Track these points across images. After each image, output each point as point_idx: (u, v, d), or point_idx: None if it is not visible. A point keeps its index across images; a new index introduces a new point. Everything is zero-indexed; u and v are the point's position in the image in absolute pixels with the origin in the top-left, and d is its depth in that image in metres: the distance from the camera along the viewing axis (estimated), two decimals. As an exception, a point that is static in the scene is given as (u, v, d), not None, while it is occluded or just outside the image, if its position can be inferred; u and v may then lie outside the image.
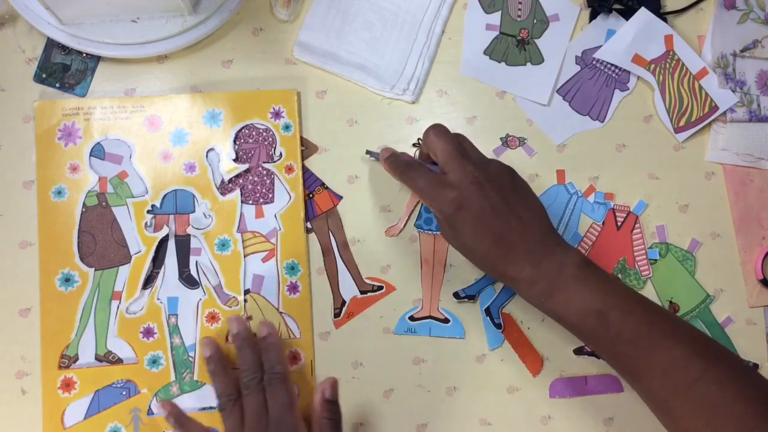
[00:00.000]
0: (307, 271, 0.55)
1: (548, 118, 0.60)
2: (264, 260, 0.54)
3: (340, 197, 0.57)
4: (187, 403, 0.52)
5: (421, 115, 0.59)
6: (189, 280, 0.54)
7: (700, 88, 0.61)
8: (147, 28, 0.53)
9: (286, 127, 0.55)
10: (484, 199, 0.47)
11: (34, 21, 0.52)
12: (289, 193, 0.55)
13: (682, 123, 0.60)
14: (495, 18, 0.60)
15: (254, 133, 0.55)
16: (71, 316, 0.52)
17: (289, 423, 0.48)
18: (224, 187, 0.54)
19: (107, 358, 0.52)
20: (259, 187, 0.55)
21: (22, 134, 0.54)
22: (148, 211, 0.54)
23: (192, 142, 0.55)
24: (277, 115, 0.55)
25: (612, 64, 0.61)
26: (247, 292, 0.54)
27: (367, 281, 0.57)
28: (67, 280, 0.52)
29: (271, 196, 0.55)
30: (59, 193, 0.53)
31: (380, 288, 0.57)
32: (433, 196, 0.48)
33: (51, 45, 0.55)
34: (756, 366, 0.60)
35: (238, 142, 0.55)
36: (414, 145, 0.57)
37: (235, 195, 0.54)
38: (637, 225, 0.60)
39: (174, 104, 0.55)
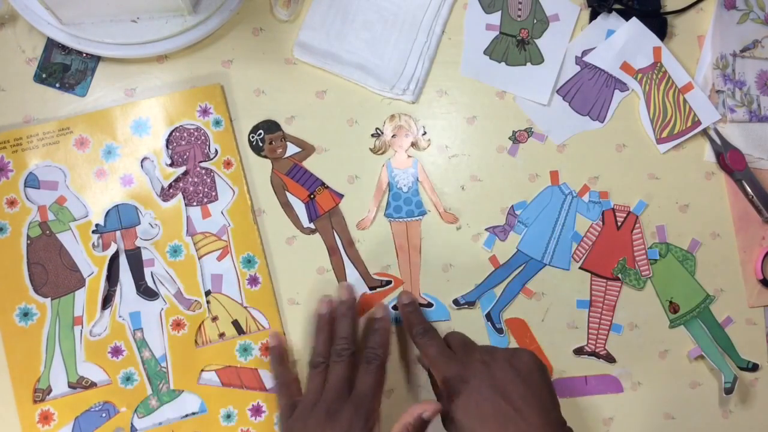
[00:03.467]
0: (264, 261, 0.55)
1: (548, 118, 0.60)
2: (219, 258, 0.54)
3: (342, 195, 0.57)
4: (168, 413, 0.53)
5: (421, 115, 0.59)
6: (147, 292, 0.53)
7: (685, 101, 0.61)
8: (147, 28, 0.53)
9: (217, 123, 0.55)
10: (489, 380, 0.47)
11: (34, 21, 0.52)
12: (231, 187, 0.55)
13: (664, 134, 0.60)
14: (495, 18, 0.60)
15: (185, 134, 0.55)
16: (36, 349, 0.52)
17: (369, 405, 0.48)
18: (165, 194, 0.54)
19: (80, 384, 0.52)
20: (200, 188, 0.54)
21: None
22: (93, 231, 0.53)
23: (124, 155, 0.54)
24: (205, 112, 0.55)
25: (612, 64, 0.61)
26: (208, 293, 0.54)
27: (375, 277, 0.56)
28: (26, 314, 0.52)
29: (214, 194, 0.55)
30: (1, 229, 0.52)
31: (389, 282, 0.57)
32: (441, 366, 0.49)
33: (51, 45, 0.55)
34: (756, 366, 0.60)
35: (170, 146, 0.54)
36: (372, 135, 0.57)
37: (178, 199, 0.54)
38: (637, 225, 0.60)
39: (99, 120, 0.54)
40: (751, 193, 0.61)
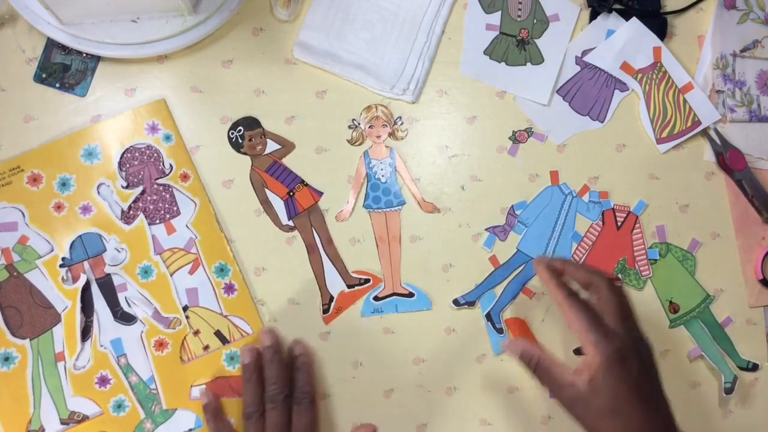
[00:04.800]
0: (237, 267, 0.54)
1: (548, 118, 0.60)
2: (191, 272, 0.54)
3: (321, 193, 0.57)
4: None
5: (421, 115, 0.59)
6: (124, 317, 0.53)
7: (685, 101, 0.61)
8: (147, 28, 0.53)
9: (167, 138, 0.54)
10: (643, 366, 0.46)
11: (34, 21, 0.52)
12: (192, 200, 0.54)
13: (664, 134, 0.60)
14: (495, 18, 0.60)
15: (137, 154, 0.54)
16: (23, 392, 0.51)
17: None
18: (126, 216, 0.54)
19: (73, 419, 0.52)
20: (161, 204, 0.54)
21: (22, 134, 0.54)
22: (61, 266, 0.53)
23: (79, 185, 0.53)
24: (153, 129, 0.54)
25: (612, 64, 0.61)
26: (186, 308, 0.54)
27: (354, 275, 0.56)
28: (6, 359, 0.52)
29: (175, 209, 0.54)
30: None
31: (367, 281, 0.57)
32: (595, 338, 0.45)
33: (51, 45, 0.55)
34: (756, 366, 0.60)
35: (124, 168, 0.54)
36: (349, 127, 0.57)
37: (140, 220, 0.54)
38: (637, 225, 0.60)
39: (48, 155, 0.53)
40: (751, 193, 0.60)
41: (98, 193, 0.54)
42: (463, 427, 0.56)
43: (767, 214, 0.61)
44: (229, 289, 0.54)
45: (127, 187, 0.54)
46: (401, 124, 0.58)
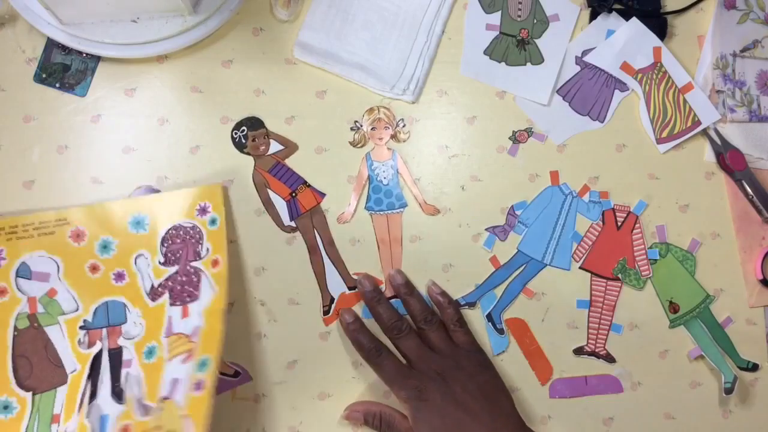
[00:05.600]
0: (215, 365, 0.48)
1: (548, 118, 0.60)
2: (184, 361, 0.50)
3: (324, 195, 0.57)
4: None
5: (421, 115, 0.59)
6: (119, 395, 0.50)
7: (685, 101, 0.61)
8: (147, 28, 0.53)
9: (213, 222, 0.53)
10: (447, 393, 0.49)
11: (34, 21, 0.52)
12: (213, 287, 0.52)
13: (664, 134, 0.61)
14: (495, 18, 0.60)
15: (181, 232, 0.53)
16: None
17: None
18: (154, 293, 0.52)
19: None
20: (187, 287, 0.52)
21: (22, 134, 0.54)
22: (81, 327, 0.51)
23: (119, 250, 0.52)
24: (203, 211, 0.53)
25: (612, 64, 0.61)
26: (164, 399, 0.49)
27: (355, 277, 0.56)
28: (6, 407, 0.49)
29: (197, 293, 0.52)
30: None
31: None
32: (399, 385, 0.50)
33: (51, 45, 0.55)
34: (756, 366, 0.60)
35: (165, 244, 0.53)
36: (352, 129, 0.57)
37: (164, 299, 0.52)
38: (637, 225, 0.60)
39: (98, 213, 0.52)
40: (751, 193, 0.61)
41: (135, 263, 0.52)
42: (463, 427, 0.56)
43: (767, 214, 0.61)
44: (198, 386, 0.48)
45: (164, 263, 0.52)
46: (403, 126, 0.58)
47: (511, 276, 0.58)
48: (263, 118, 0.57)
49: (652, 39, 0.61)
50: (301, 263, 0.56)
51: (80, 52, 0.55)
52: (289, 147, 0.57)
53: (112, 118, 0.55)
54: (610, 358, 0.59)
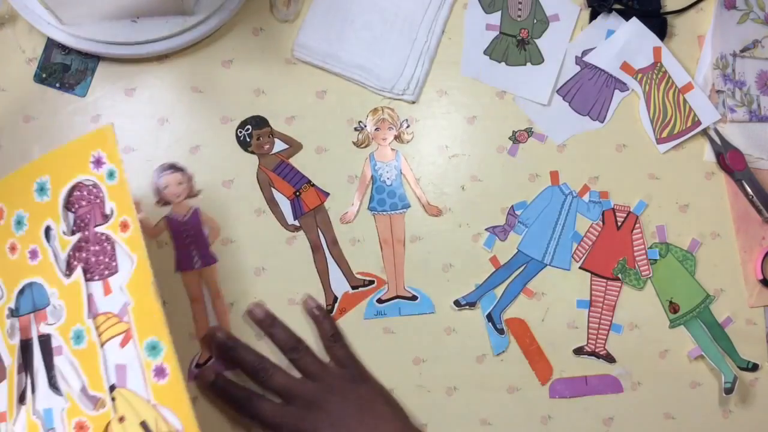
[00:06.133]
0: (171, 347, 0.41)
1: (548, 118, 0.60)
2: (122, 344, 0.42)
3: (327, 194, 0.57)
4: None
5: (421, 115, 0.59)
6: (56, 387, 0.43)
7: (685, 101, 0.61)
8: (147, 28, 0.53)
9: (110, 175, 0.43)
10: (323, 420, 0.49)
11: (34, 21, 0.52)
12: (129, 256, 0.43)
13: (664, 134, 0.61)
14: (495, 18, 0.60)
15: (85, 193, 0.44)
16: None
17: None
18: (69, 267, 0.44)
19: None
20: (101, 258, 0.43)
21: (22, 134, 0.54)
22: (8, 316, 0.45)
23: (30, 224, 0.44)
24: (98, 163, 0.44)
25: (612, 64, 0.61)
26: (113, 387, 0.42)
27: (358, 276, 0.56)
28: None
29: (114, 264, 0.43)
30: None
31: (371, 282, 0.56)
32: (281, 427, 0.50)
33: (51, 45, 0.55)
34: (756, 366, 0.60)
35: (72, 209, 0.44)
36: (355, 129, 0.58)
37: (78, 274, 0.43)
38: (637, 225, 0.60)
39: (10, 185, 0.46)
40: (751, 193, 0.61)
41: (45, 236, 0.44)
42: (463, 427, 0.56)
43: (767, 214, 0.61)
44: (160, 372, 0.41)
45: (70, 232, 0.44)
46: (407, 126, 0.58)
47: (511, 276, 0.58)
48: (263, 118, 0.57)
49: (652, 39, 0.61)
50: (303, 263, 0.56)
51: (80, 52, 0.55)
52: (294, 146, 0.57)
53: (112, 118, 0.55)
54: (610, 358, 0.59)
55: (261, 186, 0.56)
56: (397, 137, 0.58)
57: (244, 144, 0.56)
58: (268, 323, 0.53)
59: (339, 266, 0.56)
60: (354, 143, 0.57)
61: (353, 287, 0.56)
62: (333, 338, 0.54)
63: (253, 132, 0.56)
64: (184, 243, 0.54)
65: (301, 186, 0.56)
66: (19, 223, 0.45)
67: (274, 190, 0.56)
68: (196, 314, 0.53)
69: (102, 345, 0.42)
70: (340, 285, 0.56)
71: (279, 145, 0.57)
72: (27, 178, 0.45)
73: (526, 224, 0.59)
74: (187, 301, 0.54)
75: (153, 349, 0.42)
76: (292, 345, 0.53)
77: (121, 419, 0.42)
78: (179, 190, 0.55)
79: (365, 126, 0.58)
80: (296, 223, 0.56)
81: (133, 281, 0.43)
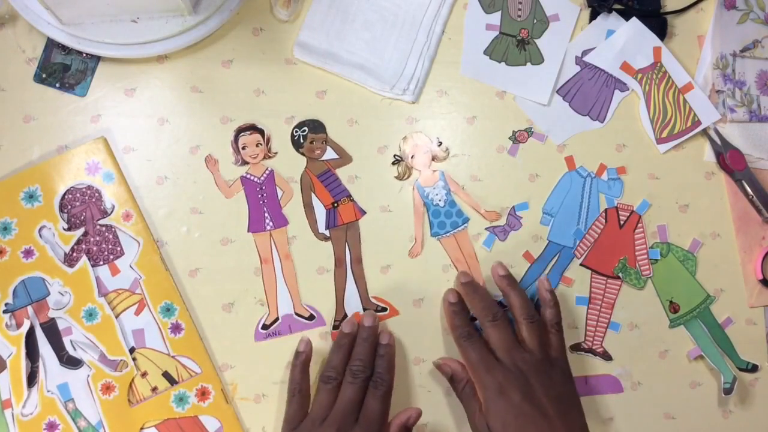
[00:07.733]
0: (184, 306, 0.53)
1: (548, 118, 0.60)
2: (137, 313, 0.53)
3: (365, 212, 0.57)
4: None
5: (421, 115, 0.59)
6: (70, 362, 0.52)
7: (685, 101, 0.61)
8: (147, 28, 0.53)
9: (108, 177, 0.53)
10: (527, 393, 0.49)
11: (34, 21, 0.52)
12: (135, 239, 0.53)
13: (664, 134, 0.61)
14: (495, 18, 0.60)
15: (78, 195, 0.53)
16: None
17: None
18: (69, 259, 0.52)
19: None
20: (104, 246, 0.53)
21: (22, 134, 0.54)
22: (4, 311, 0.51)
23: (20, 229, 0.52)
24: (94, 169, 0.53)
25: (612, 64, 0.61)
26: (132, 350, 0.53)
27: (373, 300, 0.56)
28: None
29: (119, 249, 0.53)
30: None
31: (384, 309, 0.56)
32: (481, 374, 0.50)
33: (51, 45, 0.55)
34: (755, 367, 0.60)
35: (65, 210, 0.53)
36: (393, 163, 0.57)
37: (83, 262, 0.52)
38: (639, 224, 0.60)
39: None
40: (751, 193, 0.61)
41: (40, 236, 0.52)
42: (463, 427, 0.56)
43: (767, 214, 0.61)
44: (176, 328, 0.53)
45: (68, 229, 0.53)
46: (440, 144, 0.58)
47: (546, 268, 0.58)
48: (263, 118, 0.57)
49: (652, 39, 0.61)
50: (304, 263, 0.56)
51: (80, 52, 0.55)
52: (344, 158, 0.57)
53: (112, 118, 0.55)
54: (606, 356, 0.59)
55: (302, 188, 0.56)
56: (434, 158, 0.58)
57: (297, 144, 0.56)
58: (508, 284, 0.55)
59: (357, 285, 0.56)
60: (396, 177, 0.57)
61: (365, 309, 0.56)
62: (557, 326, 0.54)
63: (309, 135, 0.56)
64: (258, 204, 0.55)
65: (341, 198, 0.56)
66: (5, 228, 0.52)
67: (313, 196, 0.56)
68: (265, 276, 0.55)
69: (117, 316, 0.52)
70: (352, 303, 0.56)
71: (329, 154, 0.57)
72: (12, 189, 0.52)
73: (551, 214, 0.59)
74: (254, 264, 0.55)
75: (167, 311, 0.53)
76: (531, 314, 0.53)
77: (144, 374, 0.53)
78: (257, 151, 0.56)
79: (401, 158, 0.57)
80: (326, 232, 0.56)
81: (142, 259, 0.53)
